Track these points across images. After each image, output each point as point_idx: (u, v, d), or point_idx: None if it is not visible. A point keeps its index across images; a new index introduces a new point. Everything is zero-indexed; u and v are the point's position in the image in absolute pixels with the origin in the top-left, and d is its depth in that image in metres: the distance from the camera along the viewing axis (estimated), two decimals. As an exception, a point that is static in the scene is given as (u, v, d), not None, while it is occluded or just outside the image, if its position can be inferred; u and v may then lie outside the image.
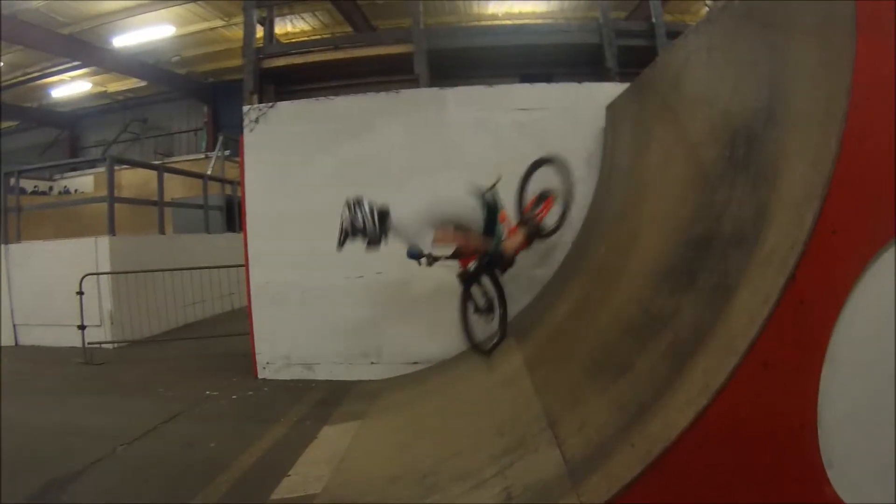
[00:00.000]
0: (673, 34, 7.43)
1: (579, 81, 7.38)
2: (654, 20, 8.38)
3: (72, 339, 9.36)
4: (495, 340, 6.19)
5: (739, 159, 3.53)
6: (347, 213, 5.35)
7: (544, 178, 6.28)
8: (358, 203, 5.35)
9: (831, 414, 2.75)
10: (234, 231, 15.14)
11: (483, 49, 8.86)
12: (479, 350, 6.13)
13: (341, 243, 5.40)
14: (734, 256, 3.18)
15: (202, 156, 22.54)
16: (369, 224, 5.26)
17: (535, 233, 6.05)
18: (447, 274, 6.30)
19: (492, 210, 5.84)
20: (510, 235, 6.01)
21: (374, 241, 5.33)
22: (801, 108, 3.04)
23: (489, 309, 6.22)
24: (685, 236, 3.98)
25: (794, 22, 3.28)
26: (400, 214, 5.37)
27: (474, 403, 5.21)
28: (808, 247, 2.68)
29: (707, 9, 8.47)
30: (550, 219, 6.19)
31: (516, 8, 18.22)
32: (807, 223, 2.70)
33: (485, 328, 6.36)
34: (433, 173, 6.97)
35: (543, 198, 6.22)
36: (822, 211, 2.68)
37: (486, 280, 6.22)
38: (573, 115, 7.13)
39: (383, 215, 5.32)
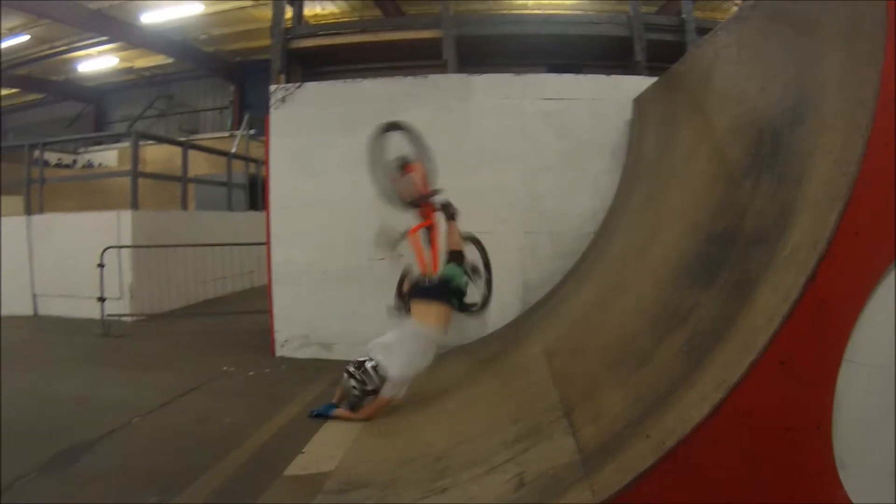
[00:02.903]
0: (702, 30, 7.38)
1: (607, 73, 7.36)
2: (684, 16, 8.33)
3: (91, 310, 9.40)
4: (482, 303, 6.18)
5: (765, 157, 3.54)
6: None
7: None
8: None
9: (847, 415, 2.76)
10: (256, 209, 15.19)
11: (511, 37, 8.83)
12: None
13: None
14: (756, 254, 3.18)
15: (227, 134, 22.56)
16: None
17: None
18: (467, 256, 6.33)
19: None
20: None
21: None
22: (828, 109, 3.05)
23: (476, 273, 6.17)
24: (707, 232, 4.00)
25: (824, 23, 3.29)
26: None
27: (491, 390, 5.23)
28: (830, 247, 2.69)
29: (737, 7, 8.39)
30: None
31: (547, -3, 18.13)
32: (830, 223, 2.71)
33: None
34: (457, 158, 7.00)
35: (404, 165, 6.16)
36: (845, 212, 2.69)
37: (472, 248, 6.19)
38: (599, 106, 7.11)
39: None
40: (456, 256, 5.78)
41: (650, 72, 7.32)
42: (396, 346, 5.12)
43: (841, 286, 2.73)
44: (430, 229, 5.94)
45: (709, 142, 4.51)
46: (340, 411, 5.23)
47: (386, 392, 5.04)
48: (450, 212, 5.94)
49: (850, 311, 2.75)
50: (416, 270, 5.74)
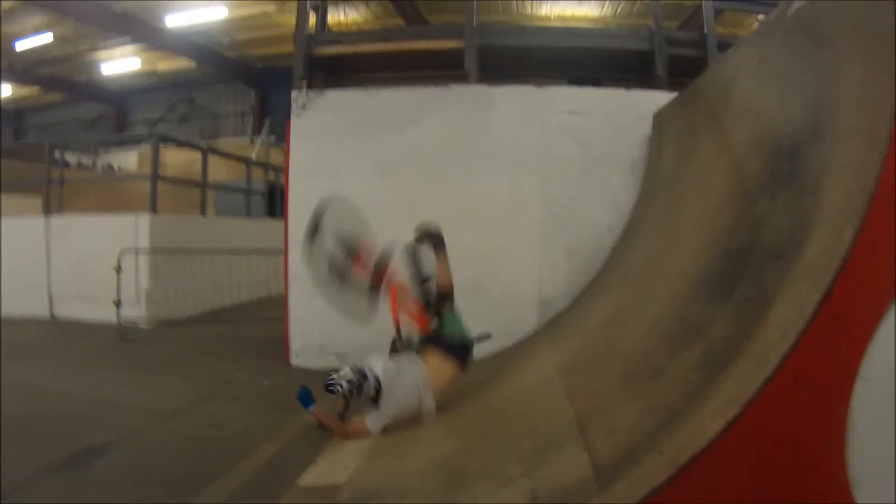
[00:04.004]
0: (724, 46, 7.33)
1: (627, 88, 7.35)
2: (705, 31, 8.27)
3: (107, 314, 9.40)
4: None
5: (782, 172, 3.55)
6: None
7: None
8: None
9: (861, 432, 2.74)
10: (274, 217, 15.21)
11: (534, 49, 8.81)
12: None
13: None
14: (772, 269, 3.19)
15: (247, 140, 22.71)
16: None
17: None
18: (483, 270, 6.29)
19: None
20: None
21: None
22: (847, 124, 3.05)
23: None
24: (724, 246, 4.00)
25: (842, 36, 3.30)
26: None
27: (506, 403, 5.19)
28: (845, 262, 2.69)
29: (759, 22, 8.35)
30: None
31: (569, 11, 18.18)
32: (846, 239, 2.71)
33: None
34: (477, 170, 6.97)
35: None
36: (861, 226, 2.69)
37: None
38: (619, 120, 7.10)
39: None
40: (449, 299, 5.60)
41: (670, 86, 7.28)
42: (398, 381, 4.94)
43: (856, 301, 2.72)
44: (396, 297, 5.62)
45: (727, 157, 4.51)
46: (320, 413, 5.05)
47: (369, 422, 4.87)
48: (438, 241, 5.66)
49: (865, 326, 2.73)
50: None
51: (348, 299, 5.50)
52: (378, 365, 4.93)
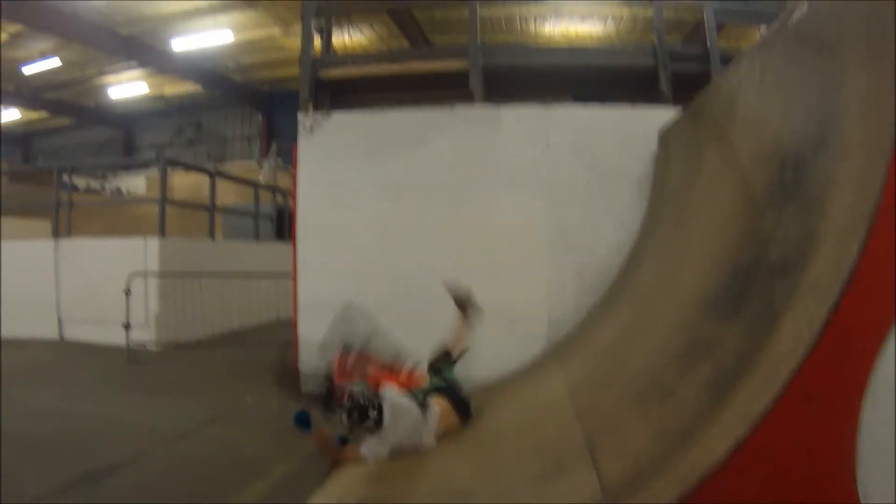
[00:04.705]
0: (727, 59, 7.34)
1: (632, 104, 7.35)
2: (708, 45, 8.28)
3: (116, 337, 9.43)
4: None
5: (788, 185, 3.52)
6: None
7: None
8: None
9: (871, 448, 2.71)
10: (283, 240, 15.30)
11: (538, 68, 8.84)
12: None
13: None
14: (780, 284, 3.16)
15: (255, 163, 22.80)
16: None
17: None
18: (492, 291, 6.27)
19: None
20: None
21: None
22: (851, 135, 3.03)
23: None
24: (732, 262, 3.98)
25: (846, 44, 3.27)
26: None
27: (515, 425, 5.17)
28: (853, 275, 2.66)
29: (761, 34, 8.38)
30: None
31: (572, 29, 18.31)
32: (853, 251, 2.68)
33: None
34: (484, 190, 6.98)
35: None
36: (868, 239, 2.66)
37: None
38: (625, 137, 7.07)
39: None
40: (452, 359, 5.69)
41: (675, 102, 7.28)
42: (404, 415, 4.89)
43: (864, 314, 2.69)
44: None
45: (733, 171, 4.50)
46: (318, 437, 5.00)
47: (365, 450, 4.78)
48: (466, 305, 5.81)
49: (873, 339, 2.70)
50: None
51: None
52: (389, 395, 4.90)
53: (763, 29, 9.42)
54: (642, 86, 8.38)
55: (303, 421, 4.92)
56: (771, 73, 4.25)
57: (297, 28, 11.53)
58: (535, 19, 18.15)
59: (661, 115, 6.92)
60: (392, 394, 4.93)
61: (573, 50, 11.37)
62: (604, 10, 17.43)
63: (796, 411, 2.70)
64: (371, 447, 4.78)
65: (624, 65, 8.52)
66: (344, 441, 4.98)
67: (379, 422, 4.75)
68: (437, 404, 5.13)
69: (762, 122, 4.20)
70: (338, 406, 4.84)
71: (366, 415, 4.74)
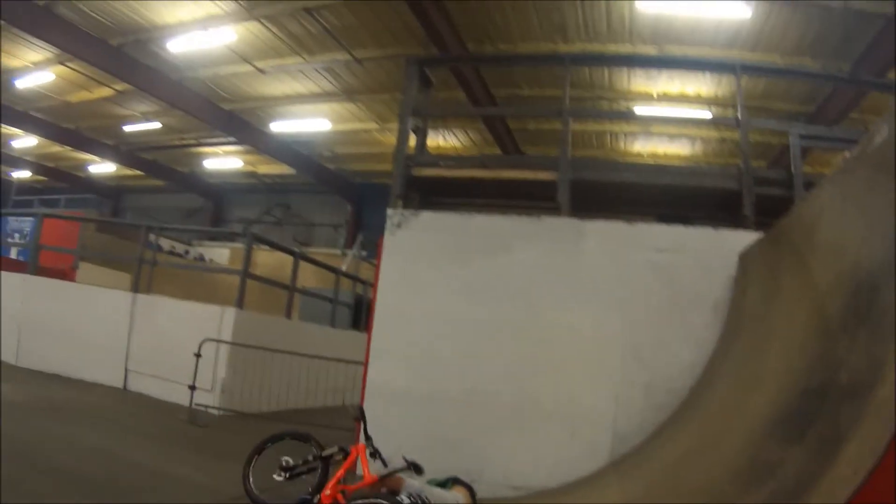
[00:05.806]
0: (811, 185, 7.31)
1: (715, 227, 7.40)
2: (793, 170, 8.25)
3: (179, 396, 9.72)
4: None
5: (861, 311, 3.53)
6: None
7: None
8: None
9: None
10: (358, 330, 15.54)
11: (625, 184, 8.93)
12: None
13: None
14: (846, 409, 3.16)
15: (339, 252, 23.27)
16: None
17: None
18: (560, 399, 6.26)
19: None
20: None
21: None
22: None
23: None
24: (803, 386, 3.97)
25: None
26: None
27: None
28: None
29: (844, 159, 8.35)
30: None
31: (661, 149, 18.49)
32: None
33: None
34: (561, 300, 7.03)
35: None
36: None
37: None
38: (706, 260, 7.09)
39: None
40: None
41: (758, 226, 7.25)
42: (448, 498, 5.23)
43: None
44: None
45: (810, 296, 4.50)
46: None
47: None
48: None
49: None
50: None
51: None
52: (434, 491, 5.26)
53: (846, 154, 9.41)
54: (726, 208, 8.40)
55: None
56: (852, 198, 4.29)
57: (393, 125, 11.94)
58: (626, 137, 18.41)
59: (742, 239, 6.95)
60: (433, 490, 5.31)
61: (660, 168, 11.48)
62: (692, 131, 17.68)
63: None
64: None
65: (709, 186, 8.54)
66: None
67: None
68: (458, 491, 5.49)
69: (841, 248, 4.22)
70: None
71: None
